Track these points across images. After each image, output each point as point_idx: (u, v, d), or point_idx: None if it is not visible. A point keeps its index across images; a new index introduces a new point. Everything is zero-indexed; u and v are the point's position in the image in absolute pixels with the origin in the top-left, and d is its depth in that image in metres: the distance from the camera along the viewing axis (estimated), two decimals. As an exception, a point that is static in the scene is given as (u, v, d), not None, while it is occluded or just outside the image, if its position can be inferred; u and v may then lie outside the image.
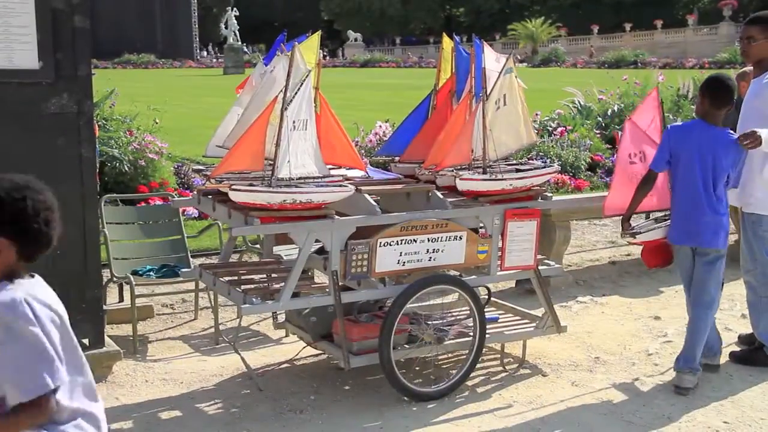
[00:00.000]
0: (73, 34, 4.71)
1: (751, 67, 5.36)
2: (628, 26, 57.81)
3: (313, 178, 4.37)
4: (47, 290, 2.57)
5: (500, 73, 4.83)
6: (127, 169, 8.54)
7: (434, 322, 4.82)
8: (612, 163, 10.53)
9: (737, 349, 5.35)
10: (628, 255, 7.74)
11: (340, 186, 4.41)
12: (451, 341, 4.78)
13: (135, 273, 5.68)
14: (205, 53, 69.17)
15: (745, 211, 5.07)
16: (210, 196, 4.70)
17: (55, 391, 2.46)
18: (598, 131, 11.52)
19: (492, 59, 4.89)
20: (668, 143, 4.84)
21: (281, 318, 5.24)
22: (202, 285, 5.62)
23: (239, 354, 5.00)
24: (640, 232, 4.96)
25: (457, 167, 4.81)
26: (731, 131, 4.87)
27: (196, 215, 7.99)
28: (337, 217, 4.38)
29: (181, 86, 32.57)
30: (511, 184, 4.82)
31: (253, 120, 4.31)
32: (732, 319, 6.03)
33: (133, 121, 9.54)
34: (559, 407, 4.58)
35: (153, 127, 9.72)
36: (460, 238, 4.66)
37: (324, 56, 59.70)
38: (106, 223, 5.80)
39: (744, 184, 5.03)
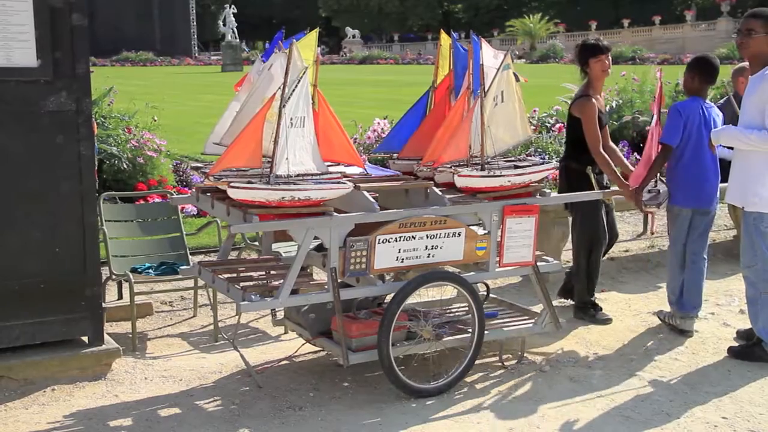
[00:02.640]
0: (71, 32, 4.71)
1: (748, 64, 5.36)
2: (626, 22, 57.73)
3: (312, 175, 4.38)
4: None
5: (498, 69, 4.84)
6: (125, 166, 8.56)
7: (433, 318, 4.82)
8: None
9: (735, 344, 5.36)
10: (626, 251, 7.74)
11: (339, 183, 4.42)
12: (450, 338, 4.79)
13: (134, 270, 5.69)
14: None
15: (747, 210, 5.08)
16: (208, 194, 4.70)
17: None
18: (596, 127, 11.48)
19: (490, 56, 4.89)
20: (682, 119, 5.36)
21: (280, 315, 5.25)
22: (201, 282, 5.62)
23: (238, 351, 5.00)
24: (661, 203, 5.53)
25: (456, 163, 4.82)
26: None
27: (195, 212, 8.01)
28: (335, 214, 4.39)
29: (179, 84, 32.54)
30: (509, 181, 4.82)
31: (251, 117, 4.32)
32: (730, 315, 6.04)
33: (132, 118, 9.55)
34: (558, 403, 4.58)
35: (151, 124, 9.74)
36: (459, 234, 4.66)
37: (342, 53, 59.57)
38: (105, 220, 5.80)
39: (746, 183, 5.05)
